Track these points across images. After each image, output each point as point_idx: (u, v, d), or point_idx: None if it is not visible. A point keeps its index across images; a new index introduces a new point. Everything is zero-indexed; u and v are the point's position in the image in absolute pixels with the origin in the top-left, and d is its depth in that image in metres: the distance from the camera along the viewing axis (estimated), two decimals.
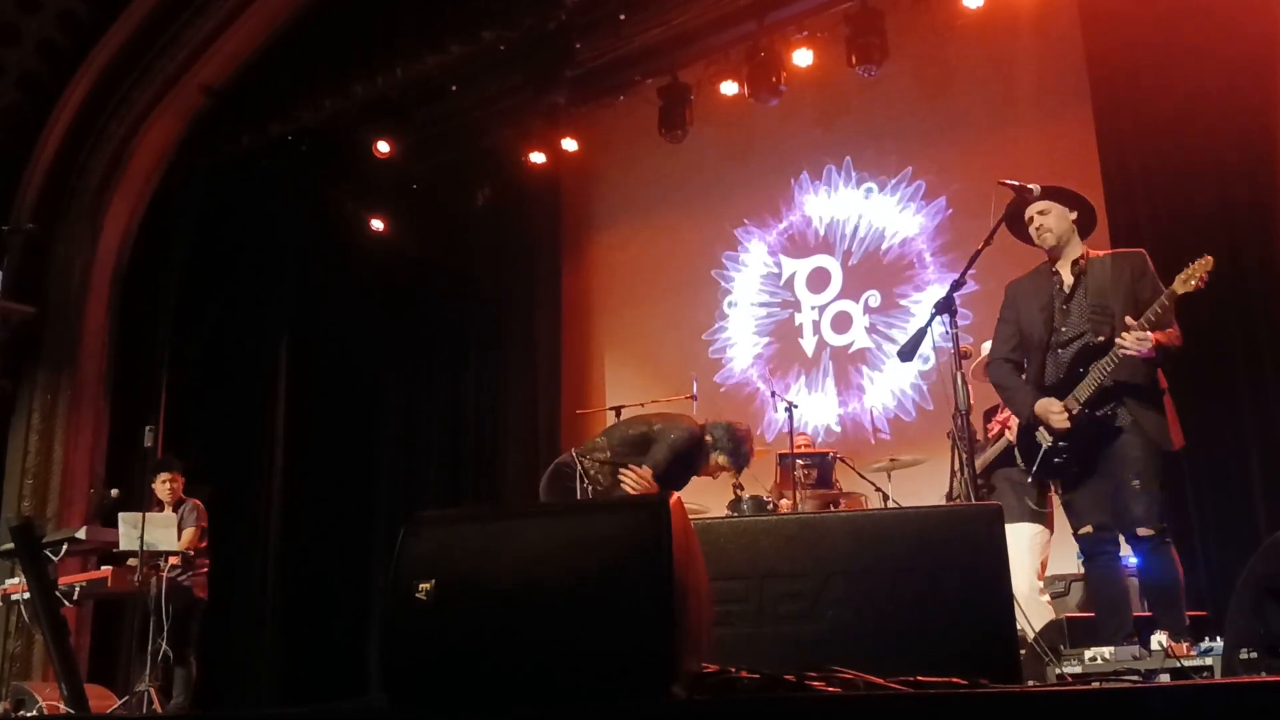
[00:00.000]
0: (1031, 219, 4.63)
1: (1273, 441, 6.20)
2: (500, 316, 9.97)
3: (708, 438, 5.97)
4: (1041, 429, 4.54)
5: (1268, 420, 6.24)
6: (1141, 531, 4.29)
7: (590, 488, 5.74)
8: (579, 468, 5.80)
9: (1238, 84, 6.57)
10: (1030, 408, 4.55)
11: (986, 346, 6.19)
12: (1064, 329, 4.57)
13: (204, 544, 7.27)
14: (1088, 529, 4.51)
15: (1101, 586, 4.56)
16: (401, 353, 10.34)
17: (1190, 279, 4.19)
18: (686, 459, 5.85)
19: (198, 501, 7.33)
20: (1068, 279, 4.59)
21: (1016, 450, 4.78)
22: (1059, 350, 4.57)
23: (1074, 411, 4.42)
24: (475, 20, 8.24)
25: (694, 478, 6.10)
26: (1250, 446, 6.25)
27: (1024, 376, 4.69)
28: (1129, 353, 4.26)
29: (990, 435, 6.07)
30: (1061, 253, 4.62)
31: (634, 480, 5.69)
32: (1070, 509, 4.61)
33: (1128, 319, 4.28)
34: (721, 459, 5.98)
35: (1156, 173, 6.73)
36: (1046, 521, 5.85)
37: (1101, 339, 4.42)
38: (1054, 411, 4.46)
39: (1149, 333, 4.23)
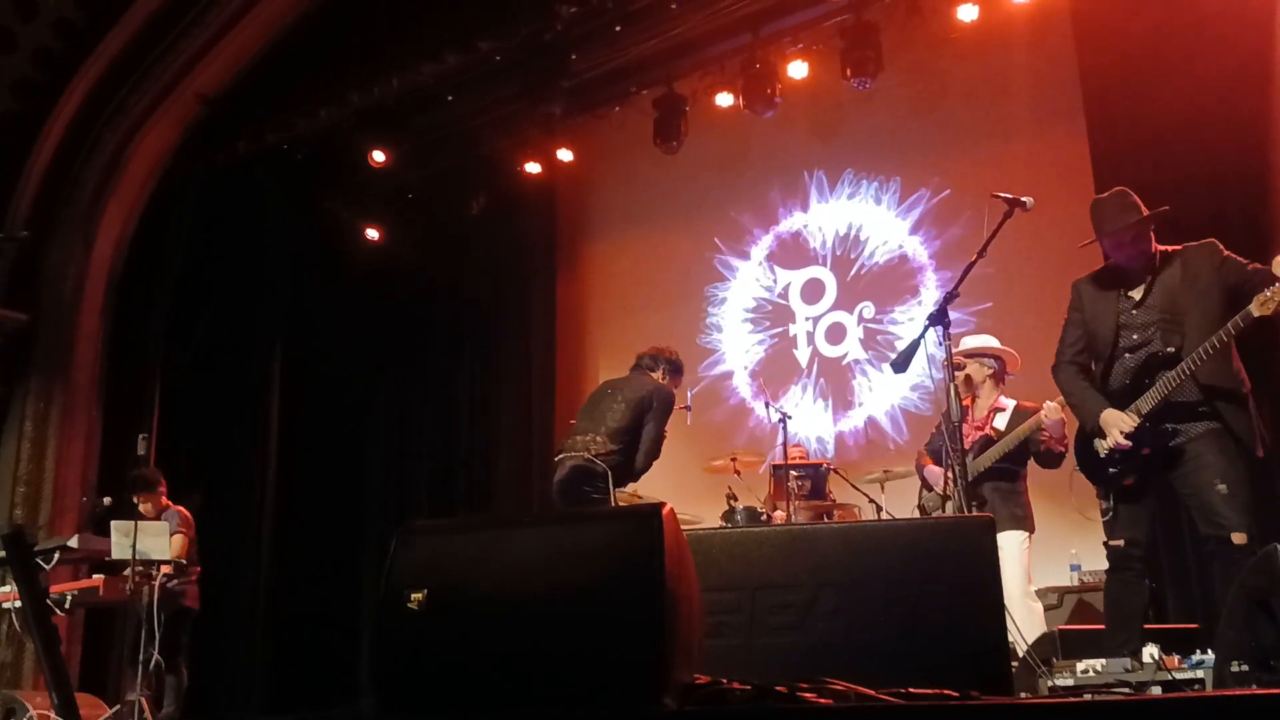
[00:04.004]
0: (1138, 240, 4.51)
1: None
2: (494, 326, 9.97)
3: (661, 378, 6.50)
4: (1099, 440, 4.47)
5: None
6: (1236, 538, 4.10)
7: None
8: (601, 468, 5.96)
9: (1230, 98, 6.59)
10: (1096, 417, 4.45)
11: (973, 340, 6.19)
12: (1135, 336, 4.46)
13: (192, 552, 7.24)
14: (1119, 542, 4.44)
15: (1119, 599, 4.49)
16: (395, 361, 10.33)
17: (1269, 303, 4.02)
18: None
19: (182, 509, 7.30)
20: (1137, 282, 4.50)
21: (1075, 454, 4.67)
22: (1125, 356, 4.47)
23: (1136, 424, 4.34)
24: (472, 30, 8.25)
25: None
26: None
27: (1086, 381, 4.59)
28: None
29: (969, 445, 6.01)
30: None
31: None
32: (1110, 520, 4.50)
33: (1211, 338, 4.15)
34: (667, 377, 6.53)
35: (1149, 185, 6.66)
36: (1028, 525, 5.81)
37: (1171, 349, 4.31)
38: (1120, 427, 4.35)
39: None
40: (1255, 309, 4.08)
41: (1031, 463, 5.90)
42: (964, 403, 6.09)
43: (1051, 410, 5.49)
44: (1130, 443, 4.35)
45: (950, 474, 5.48)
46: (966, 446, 5.91)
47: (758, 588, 2.99)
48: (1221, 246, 4.44)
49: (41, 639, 2.32)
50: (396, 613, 2.38)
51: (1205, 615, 5.59)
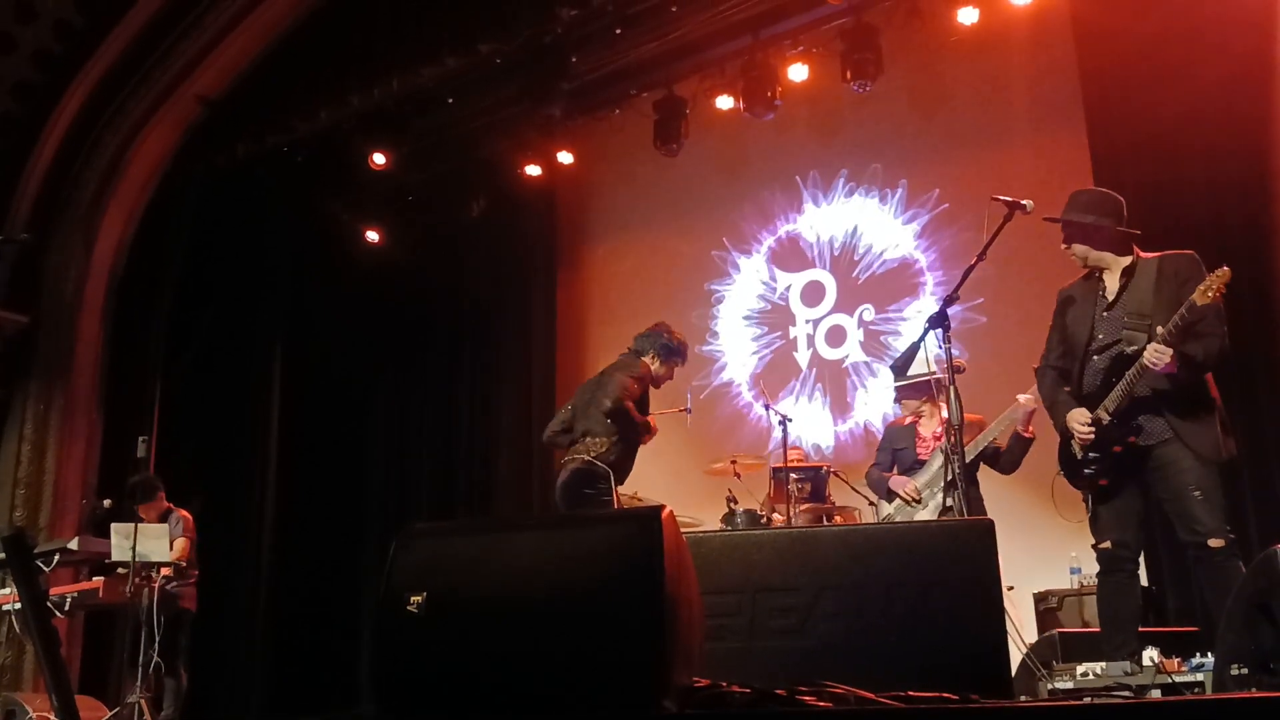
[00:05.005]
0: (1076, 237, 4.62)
1: (1257, 454, 6.21)
2: (494, 327, 9.97)
3: (643, 360, 6.31)
4: (1073, 441, 4.51)
5: (1254, 433, 6.24)
6: (1213, 543, 4.14)
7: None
8: (603, 469, 5.95)
9: (1229, 101, 6.60)
10: (1064, 419, 4.51)
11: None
12: (1101, 336, 4.51)
13: (192, 554, 7.25)
14: (1107, 544, 4.45)
15: (1112, 602, 4.49)
16: (395, 364, 10.33)
17: (1208, 290, 4.11)
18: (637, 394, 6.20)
19: (185, 513, 7.31)
20: (1112, 285, 4.54)
21: (1057, 458, 4.71)
22: (1095, 358, 4.51)
23: (1104, 423, 4.37)
24: (472, 33, 8.25)
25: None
26: (1238, 461, 6.25)
27: (1068, 387, 4.64)
28: (1149, 367, 4.20)
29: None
30: (1105, 263, 4.57)
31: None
32: (1094, 522, 4.53)
33: (1158, 329, 4.21)
34: (657, 365, 6.33)
35: (1149, 188, 6.75)
36: None
37: (1134, 348, 4.33)
38: (1080, 423, 4.42)
39: (1166, 348, 4.15)
40: (1198, 298, 4.13)
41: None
42: (912, 420, 6.24)
43: (1028, 401, 5.69)
44: (1092, 435, 4.38)
45: (953, 474, 5.51)
46: (925, 457, 6.05)
47: (758, 590, 3.00)
48: (1200, 263, 4.45)
49: (41, 641, 2.32)
50: (396, 615, 2.38)
51: (1205, 618, 5.59)
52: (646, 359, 6.34)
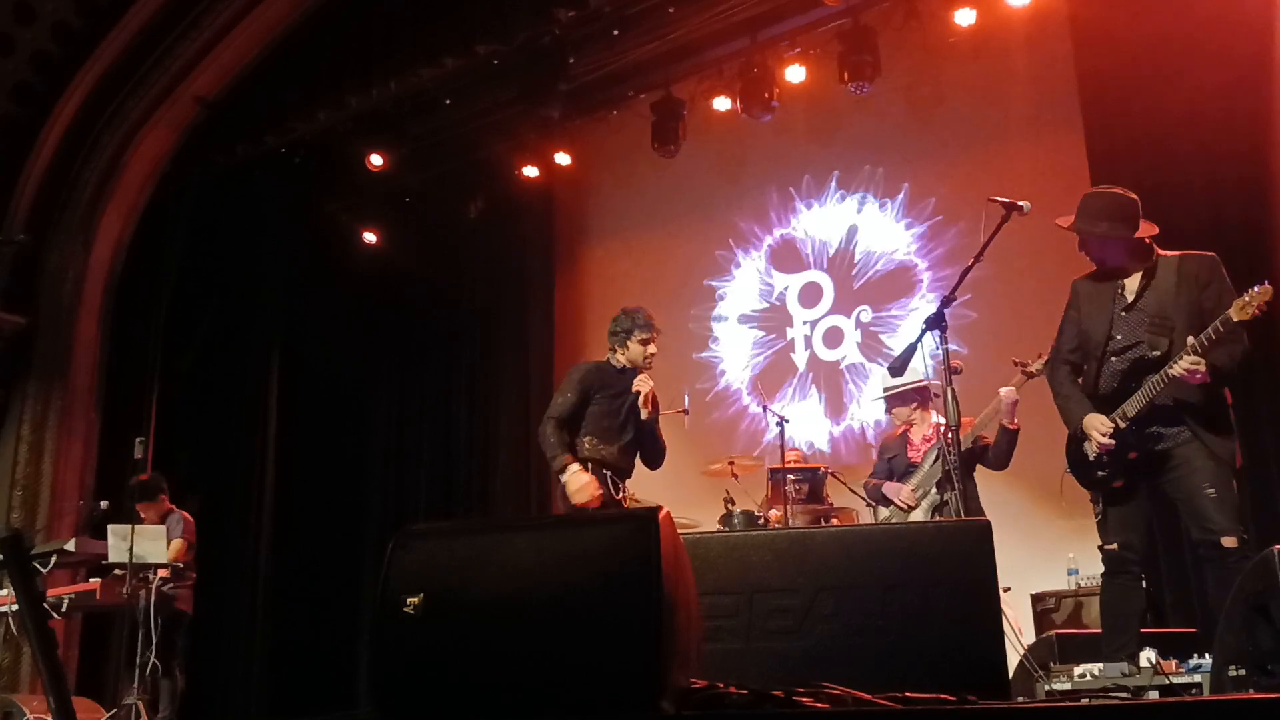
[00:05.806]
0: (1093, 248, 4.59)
1: (1256, 456, 6.20)
2: (492, 330, 9.97)
3: (611, 358, 6.24)
4: (1087, 443, 4.48)
5: (1253, 435, 6.24)
6: (1226, 541, 4.11)
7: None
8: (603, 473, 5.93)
9: (1228, 102, 6.60)
10: (1080, 421, 4.47)
11: (891, 382, 6.27)
12: (1119, 336, 4.46)
13: (190, 556, 7.25)
14: (1113, 546, 4.43)
15: (1115, 604, 4.48)
16: (393, 365, 10.33)
17: (1247, 307, 4.06)
18: (589, 372, 6.18)
19: (186, 514, 7.31)
20: (1132, 285, 4.49)
21: (1066, 457, 4.67)
22: (1113, 359, 4.47)
23: (1121, 427, 4.35)
24: (469, 34, 8.26)
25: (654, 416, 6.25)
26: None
27: (1080, 381, 4.61)
28: (1183, 379, 4.16)
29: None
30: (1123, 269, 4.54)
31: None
32: (1102, 523, 4.51)
33: (1189, 339, 4.17)
34: (626, 353, 6.24)
35: (1147, 190, 6.67)
36: None
37: (1158, 353, 4.30)
38: (1099, 430, 4.37)
39: (1200, 359, 4.11)
40: (1235, 313, 4.10)
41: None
42: (903, 429, 6.32)
43: (1009, 393, 5.71)
44: (1112, 442, 4.36)
45: (948, 471, 5.52)
46: (918, 460, 6.06)
47: (755, 592, 2.99)
48: (1220, 265, 4.43)
49: (39, 642, 2.32)
50: (393, 618, 2.38)
51: (1203, 619, 5.60)
52: (616, 353, 6.37)
